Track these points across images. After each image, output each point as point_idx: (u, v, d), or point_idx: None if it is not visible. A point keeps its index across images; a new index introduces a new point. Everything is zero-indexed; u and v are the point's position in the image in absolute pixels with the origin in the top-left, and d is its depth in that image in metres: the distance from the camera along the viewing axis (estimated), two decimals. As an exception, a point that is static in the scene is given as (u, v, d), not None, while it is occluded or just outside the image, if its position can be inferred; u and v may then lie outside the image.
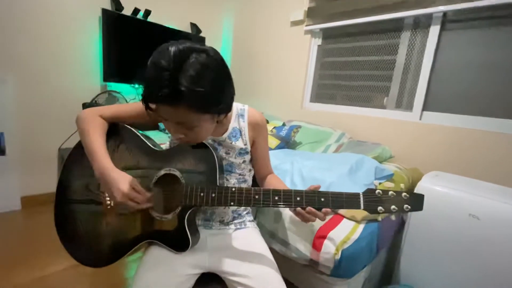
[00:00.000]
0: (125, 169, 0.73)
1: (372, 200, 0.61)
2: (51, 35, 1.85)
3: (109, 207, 0.75)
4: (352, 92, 1.97)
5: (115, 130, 0.78)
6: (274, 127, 1.72)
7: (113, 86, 2.13)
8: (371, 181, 1.04)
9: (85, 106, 1.89)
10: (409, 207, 0.60)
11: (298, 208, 0.64)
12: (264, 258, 0.75)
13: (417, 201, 0.60)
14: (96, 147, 0.69)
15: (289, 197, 0.63)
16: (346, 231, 0.89)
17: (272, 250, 0.98)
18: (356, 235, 0.87)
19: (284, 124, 1.82)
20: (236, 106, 0.82)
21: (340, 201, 0.62)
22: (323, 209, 0.64)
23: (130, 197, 0.64)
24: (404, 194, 0.61)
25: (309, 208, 0.63)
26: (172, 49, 0.55)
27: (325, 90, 2.14)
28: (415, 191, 1.03)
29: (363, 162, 1.13)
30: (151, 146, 0.77)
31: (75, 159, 0.79)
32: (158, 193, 0.74)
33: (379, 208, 0.60)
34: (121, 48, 2.07)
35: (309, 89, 2.18)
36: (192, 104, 0.57)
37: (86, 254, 0.74)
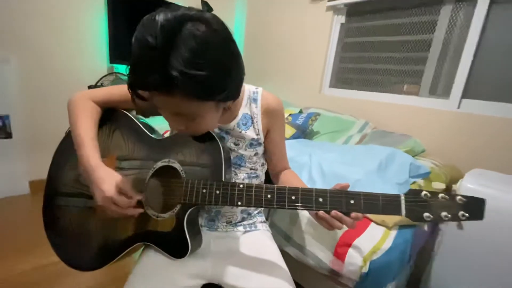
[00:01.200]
0: (119, 160, 0.65)
1: (417, 204, 0.48)
2: (55, 13, 1.76)
3: (98, 202, 0.65)
4: (378, 77, 1.77)
5: (110, 116, 0.69)
6: (290, 114, 1.57)
7: (120, 68, 2.03)
8: (404, 180, 0.89)
9: (90, 88, 1.81)
10: (466, 214, 0.46)
11: (321, 212, 0.52)
12: (277, 268, 0.64)
13: (476, 208, 0.46)
14: (84, 137, 0.60)
15: (309, 198, 0.52)
16: (375, 239, 0.75)
17: (285, 254, 0.86)
18: (387, 245, 0.74)
19: (301, 111, 1.67)
20: (248, 88, 0.69)
21: (375, 205, 0.49)
22: (353, 214, 0.51)
23: (113, 202, 0.54)
24: (459, 197, 0.47)
25: (334, 212, 0.51)
26: (160, 19, 0.41)
27: (347, 75, 1.95)
28: (457, 192, 0.87)
29: (394, 156, 0.97)
30: (149, 134, 0.66)
31: (66, 147, 0.70)
32: (155, 188, 0.64)
33: (426, 215, 0.48)
34: (128, 28, 1.95)
35: (329, 73, 2.00)
36: (190, 91, 0.44)
37: (72, 254, 0.66)
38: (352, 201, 0.51)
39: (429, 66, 1.53)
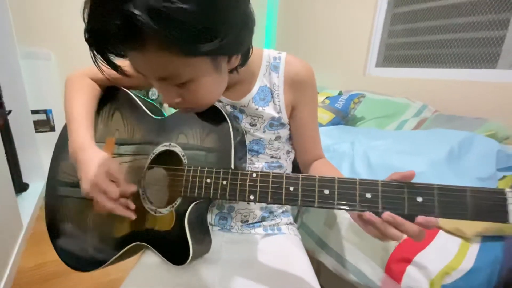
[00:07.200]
0: (118, 145, 0.57)
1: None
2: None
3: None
4: (437, 50, 1.45)
5: (110, 96, 0.62)
6: (327, 97, 1.36)
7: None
8: (489, 174, 0.64)
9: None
10: None
11: (367, 214, 0.34)
12: (305, 285, 0.49)
13: None
14: (75, 115, 0.53)
15: (350, 191, 0.36)
16: (449, 254, 0.54)
17: (320, 264, 0.69)
18: (467, 264, 0.52)
19: (340, 93, 1.44)
20: (269, 54, 0.55)
21: (460, 205, 0.31)
22: (420, 218, 0.32)
23: (100, 190, 0.44)
24: None
25: (389, 215, 0.33)
26: None
27: (397, 51, 1.65)
28: None
29: (472, 142, 0.71)
30: (150, 114, 0.57)
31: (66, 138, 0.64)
32: (155, 177, 0.55)
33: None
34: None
35: (375, 49, 1.72)
36: (164, 38, 0.31)
37: (70, 253, 0.58)
38: (419, 199, 0.33)
39: (514, 29, 1.18)
